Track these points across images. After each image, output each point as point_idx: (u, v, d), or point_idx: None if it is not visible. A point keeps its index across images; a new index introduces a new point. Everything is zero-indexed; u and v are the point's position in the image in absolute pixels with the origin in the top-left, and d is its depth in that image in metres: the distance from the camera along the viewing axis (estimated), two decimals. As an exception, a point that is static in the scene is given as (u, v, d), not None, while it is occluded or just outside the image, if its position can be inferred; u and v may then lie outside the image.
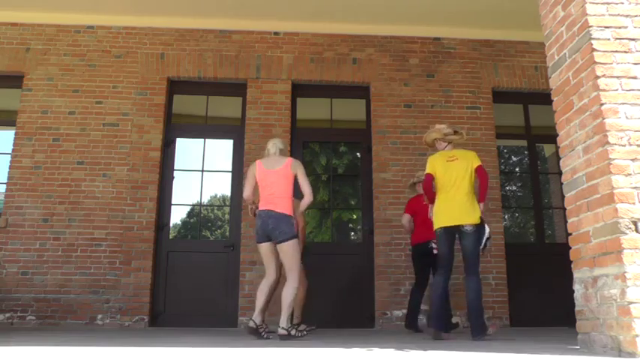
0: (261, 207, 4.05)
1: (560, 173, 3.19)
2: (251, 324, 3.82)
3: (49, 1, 6.09)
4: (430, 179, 4.14)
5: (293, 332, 3.84)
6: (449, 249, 4.01)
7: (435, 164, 4.15)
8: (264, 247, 4.03)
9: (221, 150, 6.35)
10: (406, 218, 5.18)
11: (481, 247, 4.02)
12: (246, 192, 4.13)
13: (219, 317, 5.67)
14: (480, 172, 4.09)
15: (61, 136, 5.95)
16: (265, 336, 3.91)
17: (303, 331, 4.03)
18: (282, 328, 3.79)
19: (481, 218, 3.99)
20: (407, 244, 5.75)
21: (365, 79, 6.37)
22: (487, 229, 4.04)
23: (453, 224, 3.96)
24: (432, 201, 4.16)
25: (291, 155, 5.93)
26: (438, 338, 3.80)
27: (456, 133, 4.30)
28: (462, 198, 3.99)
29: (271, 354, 2.56)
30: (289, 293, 3.89)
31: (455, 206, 3.97)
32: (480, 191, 4.10)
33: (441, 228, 4.01)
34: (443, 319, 3.93)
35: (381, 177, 6.04)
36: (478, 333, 3.76)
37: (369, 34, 6.49)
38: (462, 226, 3.95)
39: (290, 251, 3.93)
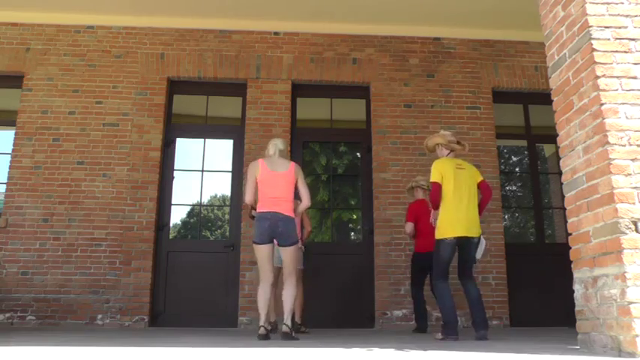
0: (265, 208, 3.96)
1: (560, 173, 3.19)
2: (262, 331, 3.78)
3: (49, 1, 6.09)
4: (439, 189, 4.00)
5: (293, 333, 3.89)
6: (452, 257, 3.99)
7: (443, 171, 4.03)
8: (267, 249, 3.95)
9: (221, 150, 6.35)
10: (411, 227, 5.09)
11: (478, 257, 4.08)
12: (249, 197, 4.04)
13: (219, 317, 5.67)
14: (485, 187, 4.13)
15: (61, 136, 5.95)
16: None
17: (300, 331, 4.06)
18: (286, 325, 3.81)
19: None
20: (407, 244, 5.75)
21: (365, 79, 6.37)
22: (484, 242, 4.10)
23: (469, 235, 3.94)
24: (437, 207, 4.08)
25: (291, 155, 5.95)
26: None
27: (458, 143, 4.28)
28: (473, 210, 4.01)
29: (271, 354, 2.56)
30: (292, 295, 3.91)
31: (472, 218, 3.97)
32: (481, 205, 4.13)
33: (454, 237, 3.92)
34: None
35: (381, 177, 6.04)
36: (485, 327, 3.82)
37: (369, 34, 6.49)
38: (473, 238, 3.97)
39: (295, 254, 3.98)
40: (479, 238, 4.01)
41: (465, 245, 3.98)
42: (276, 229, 3.91)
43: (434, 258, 4.06)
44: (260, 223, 3.95)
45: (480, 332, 3.81)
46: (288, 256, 3.96)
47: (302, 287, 4.89)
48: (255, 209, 4.09)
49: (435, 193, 4.02)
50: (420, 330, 4.97)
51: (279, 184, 4.00)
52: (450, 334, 3.79)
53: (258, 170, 4.06)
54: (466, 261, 4.02)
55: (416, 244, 5.18)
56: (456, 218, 3.93)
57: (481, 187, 4.15)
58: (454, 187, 3.99)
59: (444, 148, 4.25)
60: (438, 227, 4.00)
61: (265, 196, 3.99)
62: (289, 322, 3.85)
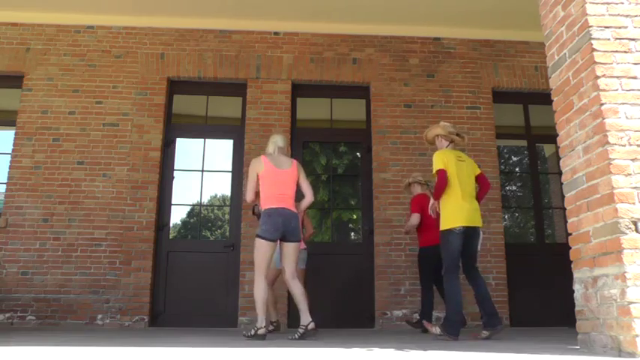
0: (274, 204, 3.93)
1: (560, 173, 3.19)
2: (262, 331, 3.77)
3: (49, 1, 6.09)
4: (446, 175, 3.97)
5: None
6: (461, 248, 3.94)
7: (447, 161, 4.02)
8: (274, 247, 3.93)
9: (221, 150, 6.35)
10: (417, 217, 4.98)
11: (479, 248, 4.11)
12: (250, 196, 4.04)
13: (219, 317, 5.67)
14: (483, 179, 4.16)
15: (61, 136, 5.95)
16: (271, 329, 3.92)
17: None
18: (312, 322, 3.79)
19: None
20: (407, 244, 5.76)
21: (365, 79, 6.37)
22: (481, 232, 4.13)
23: (475, 225, 3.95)
24: (439, 197, 4.03)
25: (291, 155, 5.94)
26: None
27: (458, 135, 4.28)
28: (476, 201, 4.06)
29: (271, 354, 2.56)
30: (303, 290, 3.94)
31: (475, 208, 4.00)
32: (479, 197, 4.16)
33: (462, 227, 3.90)
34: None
35: (381, 177, 6.04)
36: (500, 321, 3.85)
37: (369, 34, 6.49)
38: (479, 227, 4.00)
39: (298, 251, 4.02)
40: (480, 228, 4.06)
41: (471, 235, 3.96)
42: (288, 225, 3.92)
43: (443, 251, 4.00)
44: (273, 219, 3.89)
45: (497, 327, 3.82)
46: (295, 252, 3.97)
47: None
48: (259, 206, 4.08)
49: (442, 179, 3.95)
50: (419, 327, 4.96)
51: (283, 181, 4.00)
52: (452, 334, 3.78)
53: (261, 167, 4.03)
54: (471, 254, 4.02)
55: (421, 239, 5.08)
56: (462, 208, 3.93)
57: (479, 179, 4.16)
58: (459, 179, 3.99)
59: (443, 139, 4.25)
60: (445, 218, 3.96)
61: (271, 192, 3.98)
62: (310, 318, 3.83)
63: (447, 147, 4.22)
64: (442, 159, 4.03)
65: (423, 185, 5.25)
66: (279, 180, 4.00)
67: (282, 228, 3.90)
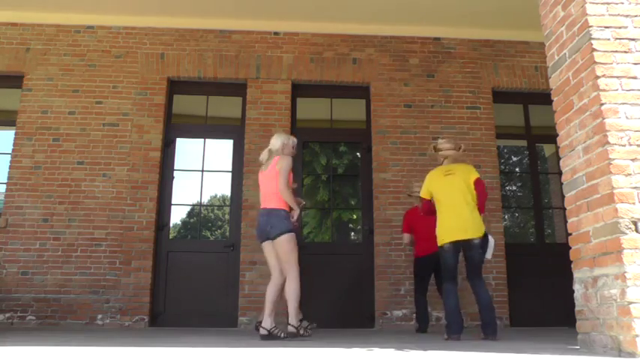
0: (260, 207, 4.22)
1: (560, 173, 3.19)
2: (262, 331, 3.79)
3: (49, 1, 6.09)
4: (427, 204, 4.26)
5: (302, 331, 3.89)
6: (456, 260, 4.05)
7: (430, 183, 4.23)
8: (266, 247, 4.12)
9: (221, 150, 6.35)
10: (408, 238, 5.24)
11: (488, 257, 4.12)
12: None
13: (219, 317, 5.66)
14: (477, 185, 4.15)
15: (61, 136, 5.95)
16: (282, 335, 3.82)
17: (308, 329, 4.00)
18: (291, 325, 3.80)
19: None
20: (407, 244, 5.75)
21: (365, 79, 6.37)
22: (492, 240, 4.12)
23: (461, 239, 3.98)
24: (430, 214, 4.33)
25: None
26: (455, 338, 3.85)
27: (454, 148, 4.30)
28: (466, 212, 4.01)
29: (271, 354, 2.56)
30: (293, 289, 3.88)
31: (461, 221, 3.99)
32: (479, 203, 4.13)
33: (449, 243, 4.00)
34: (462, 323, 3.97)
35: (381, 177, 6.04)
36: (495, 331, 3.84)
37: (369, 34, 6.49)
38: (472, 239, 3.99)
39: (285, 246, 3.92)
40: (480, 239, 4.00)
41: (465, 248, 4.01)
42: (264, 226, 4.06)
43: (440, 263, 4.18)
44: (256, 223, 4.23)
45: (489, 337, 3.82)
46: (277, 249, 3.99)
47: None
48: None
49: (425, 208, 4.31)
50: (421, 331, 4.98)
51: (265, 182, 4.19)
52: (452, 333, 3.84)
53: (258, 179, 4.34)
54: (470, 263, 4.04)
55: (415, 250, 5.21)
56: (448, 225, 4.04)
57: (475, 185, 4.15)
58: (444, 195, 4.11)
59: (439, 156, 4.39)
60: (437, 235, 4.13)
61: (261, 198, 4.23)
62: (294, 322, 3.82)
63: (443, 162, 4.34)
64: (426, 185, 4.27)
65: (418, 198, 5.29)
66: (262, 182, 4.22)
67: (260, 229, 4.11)
